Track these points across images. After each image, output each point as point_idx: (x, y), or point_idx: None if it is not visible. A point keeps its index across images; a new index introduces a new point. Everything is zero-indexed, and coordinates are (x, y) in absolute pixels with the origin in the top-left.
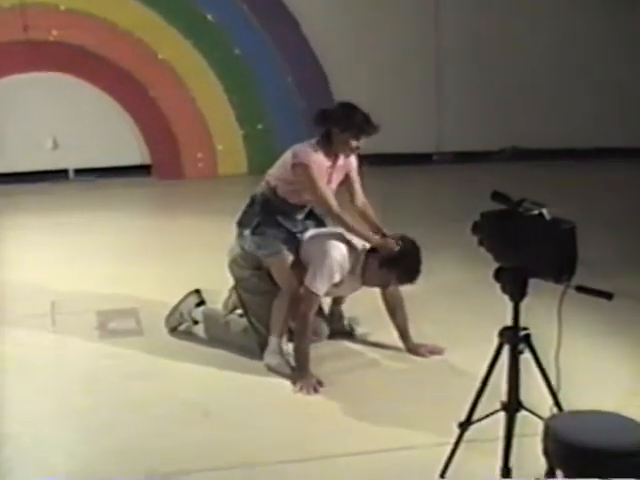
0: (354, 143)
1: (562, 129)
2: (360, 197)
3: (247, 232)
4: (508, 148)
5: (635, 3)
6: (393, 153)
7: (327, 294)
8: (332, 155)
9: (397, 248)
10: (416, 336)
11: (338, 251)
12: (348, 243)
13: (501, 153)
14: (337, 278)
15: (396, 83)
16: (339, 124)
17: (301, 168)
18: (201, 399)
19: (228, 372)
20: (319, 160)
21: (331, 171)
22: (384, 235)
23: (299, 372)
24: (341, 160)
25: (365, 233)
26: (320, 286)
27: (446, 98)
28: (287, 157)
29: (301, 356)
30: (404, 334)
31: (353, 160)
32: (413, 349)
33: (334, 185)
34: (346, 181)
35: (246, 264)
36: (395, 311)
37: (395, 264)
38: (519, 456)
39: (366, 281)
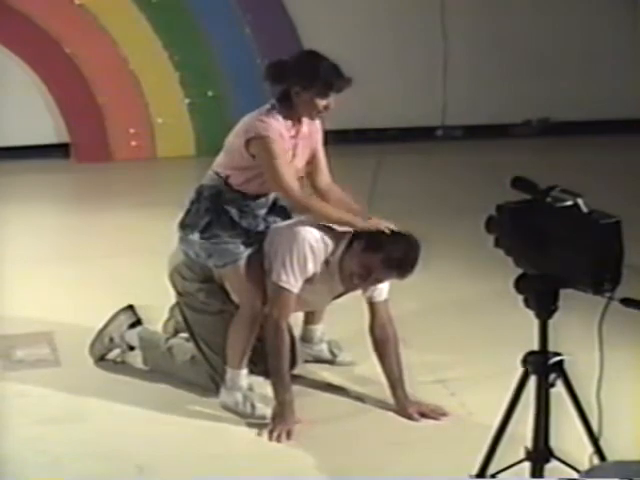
0: (322, 102)
1: (603, 96)
2: (325, 176)
3: (194, 236)
4: (535, 120)
5: None
6: (386, 128)
7: (296, 308)
8: (295, 120)
9: (391, 227)
10: (415, 367)
11: (311, 234)
12: (325, 228)
13: (526, 127)
14: (310, 267)
15: (390, 38)
16: (301, 80)
17: (259, 142)
18: (134, 450)
19: (171, 414)
20: (279, 129)
21: (295, 142)
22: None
23: (278, 406)
24: (305, 126)
25: (346, 217)
26: (292, 280)
27: (453, 58)
28: (236, 136)
29: (279, 382)
30: (395, 386)
31: (318, 129)
32: (402, 409)
33: (300, 162)
34: (310, 157)
35: (192, 275)
36: (385, 352)
37: (383, 245)
38: None
39: (344, 267)
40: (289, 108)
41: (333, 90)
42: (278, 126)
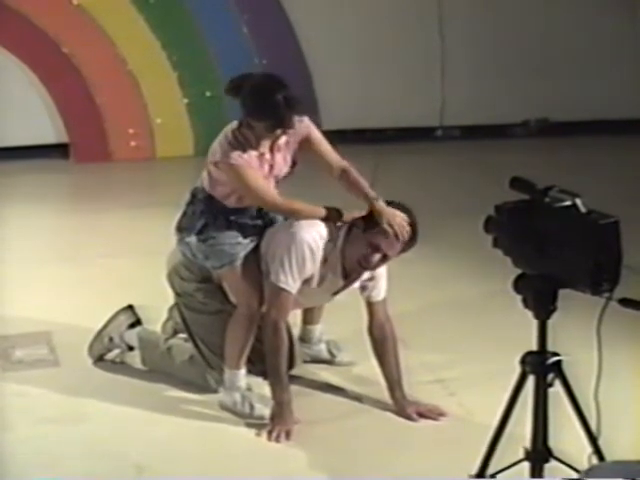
0: (279, 131)
1: (603, 96)
2: (335, 159)
3: (190, 238)
4: (534, 120)
5: None
6: (384, 128)
7: (295, 305)
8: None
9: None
10: (413, 367)
11: (308, 234)
12: (320, 224)
13: (524, 127)
14: (309, 267)
15: (388, 38)
16: (250, 113)
17: (225, 167)
18: (133, 450)
19: (170, 414)
20: (244, 158)
21: (271, 156)
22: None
23: (277, 406)
24: (283, 136)
25: (323, 211)
26: (291, 280)
27: (452, 58)
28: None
29: (277, 383)
30: (393, 386)
31: (307, 126)
32: (400, 409)
33: (282, 170)
34: (309, 148)
35: (190, 276)
36: (384, 352)
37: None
38: None
39: (348, 254)
40: (252, 129)
41: (283, 127)
42: (242, 157)
